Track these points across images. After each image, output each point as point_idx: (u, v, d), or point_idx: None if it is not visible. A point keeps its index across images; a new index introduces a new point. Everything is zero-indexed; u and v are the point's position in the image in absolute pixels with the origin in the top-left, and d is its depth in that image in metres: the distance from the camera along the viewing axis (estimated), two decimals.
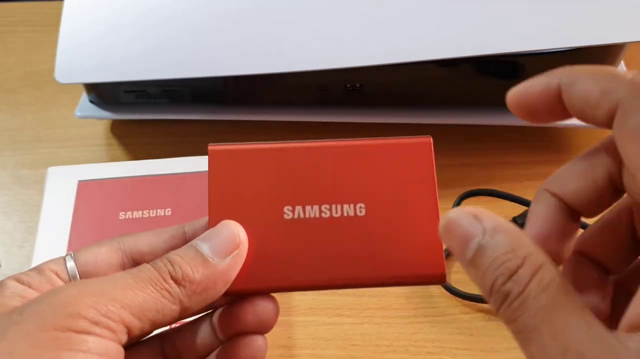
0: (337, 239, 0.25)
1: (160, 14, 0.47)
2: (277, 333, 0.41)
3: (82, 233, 0.39)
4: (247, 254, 0.24)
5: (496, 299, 0.18)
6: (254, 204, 0.25)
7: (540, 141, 0.52)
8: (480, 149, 0.52)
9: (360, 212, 0.25)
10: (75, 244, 0.39)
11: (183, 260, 0.23)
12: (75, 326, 0.20)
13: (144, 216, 0.41)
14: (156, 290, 0.22)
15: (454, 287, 0.42)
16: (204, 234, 0.24)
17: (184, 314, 0.23)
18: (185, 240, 0.26)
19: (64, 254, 0.25)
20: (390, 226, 0.25)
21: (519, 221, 0.47)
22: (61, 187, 0.42)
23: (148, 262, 0.24)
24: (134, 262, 0.25)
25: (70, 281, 0.24)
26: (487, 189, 0.47)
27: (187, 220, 0.40)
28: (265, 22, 0.45)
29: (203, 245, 0.23)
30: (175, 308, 0.22)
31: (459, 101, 0.50)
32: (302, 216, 0.25)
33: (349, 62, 0.43)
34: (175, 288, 0.22)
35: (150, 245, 0.25)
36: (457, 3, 0.45)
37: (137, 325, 0.21)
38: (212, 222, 0.25)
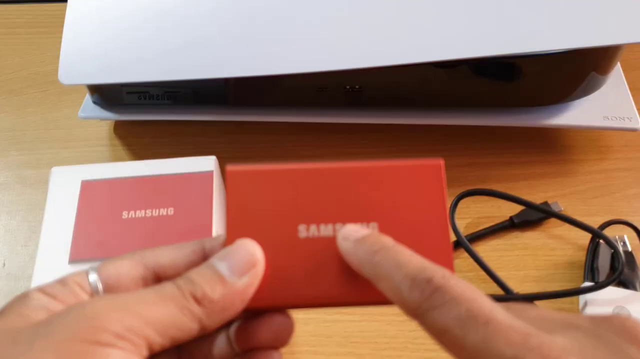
0: None
1: (163, 16, 0.47)
2: None
3: (85, 232, 0.40)
4: (265, 271, 0.25)
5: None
6: (269, 223, 0.26)
7: (538, 141, 0.53)
8: (478, 149, 0.52)
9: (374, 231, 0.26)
10: (79, 243, 0.39)
11: (203, 279, 0.23)
12: (101, 339, 0.20)
13: (147, 215, 0.41)
14: (178, 308, 0.22)
15: None
16: (221, 252, 0.25)
17: (202, 332, 0.23)
18: (204, 255, 0.26)
19: (87, 268, 0.25)
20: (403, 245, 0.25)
21: (516, 220, 0.47)
22: (65, 187, 0.43)
23: (170, 279, 0.24)
24: (156, 276, 0.26)
25: (94, 294, 0.24)
26: (485, 189, 0.47)
27: (189, 219, 0.41)
28: (266, 25, 0.46)
29: (221, 264, 0.24)
30: (194, 326, 0.23)
31: (458, 102, 0.50)
32: (316, 234, 0.25)
33: (348, 64, 0.44)
34: (195, 306, 0.23)
35: (171, 259, 0.26)
36: (455, 5, 0.45)
37: (158, 341, 0.22)
38: (229, 240, 0.25)
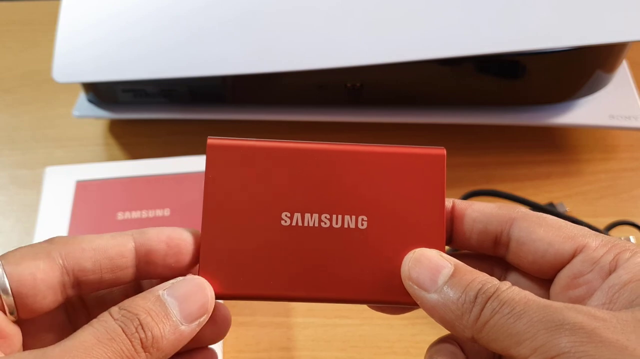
0: (334, 251, 0.24)
1: (159, 13, 0.46)
2: (277, 335, 0.41)
3: (80, 233, 0.39)
4: (240, 257, 0.24)
5: (482, 299, 0.21)
6: (250, 206, 0.24)
7: (540, 140, 0.52)
8: (480, 149, 0.52)
9: (362, 225, 0.24)
10: None
11: (154, 322, 0.21)
12: None
13: (142, 216, 0.40)
14: None
15: None
16: (172, 285, 0.23)
17: None
18: (133, 257, 0.24)
19: None
20: (391, 243, 0.24)
21: None
22: (59, 187, 0.42)
23: (91, 286, 0.23)
24: (75, 280, 0.23)
25: (4, 305, 0.22)
26: (487, 189, 0.46)
27: (185, 220, 0.40)
28: (264, 21, 0.45)
29: (172, 302, 0.22)
30: None
31: (459, 101, 0.49)
32: (300, 223, 0.24)
33: (349, 62, 0.43)
34: (142, 356, 0.21)
35: (94, 261, 0.23)
36: (458, 2, 0.44)
37: None
38: (205, 223, 0.24)
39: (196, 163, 0.43)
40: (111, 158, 0.52)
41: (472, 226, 0.25)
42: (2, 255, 0.22)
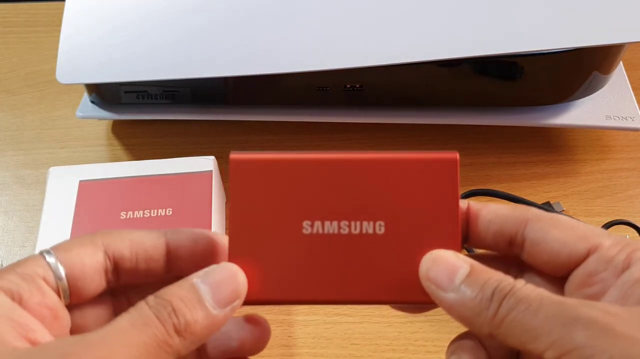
0: (354, 256, 0.25)
1: (162, 14, 0.47)
2: (278, 333, 0.41)
3: (83, 233, 0.39)
4: (265, 265, 0.25)
5: (499, 297, 0.22)
6: (273, 216, 0.25)
7: (540, 140, 0.53)
8: (479, 149, 0.52)
9: (380, 230, 0.25)
10: None
11: (187, 308, 0.22)
12: None
13: (145, 216, 0.41)
14: (159, 346, 0.21)
15: None
16: (206, 272, 0.24)
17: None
18: (165, 251, 0.25)
19: (44, 252, 0.24)
20: (408, 246, 0.25)
21: None
22: (62, 187, 0.42)
23: (127, 273, 0.24)
24: (115, 266, 0.25)
25: (59, 287, 0.23)
26: (486, 189, 0.47)
27: (187, 220, 0.40)
28: (266, 23, 0.45)
29: (205, 289, 0.23)
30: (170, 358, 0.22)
31: (458, 102, 0.50)
32: (320, 231, 0.25)
33: (349, 63, 0.43)
34: (176, 341, 0.22)
35: (131, 251, 0.25)
36: (456, 3, 0.45)
37: None
38: (232, 232, 0.25)
39: (199, 163, 0.43)
40: (114, 159, 0.52)
41: (487, 227, 0.26)
42: (54, 246, 0.24)
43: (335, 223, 0.25)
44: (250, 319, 0.26)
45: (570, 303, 0.21)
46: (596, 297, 0.23)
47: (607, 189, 0.49)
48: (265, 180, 0.25)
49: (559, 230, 0.24)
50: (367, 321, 0.41)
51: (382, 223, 0.25)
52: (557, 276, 0.25)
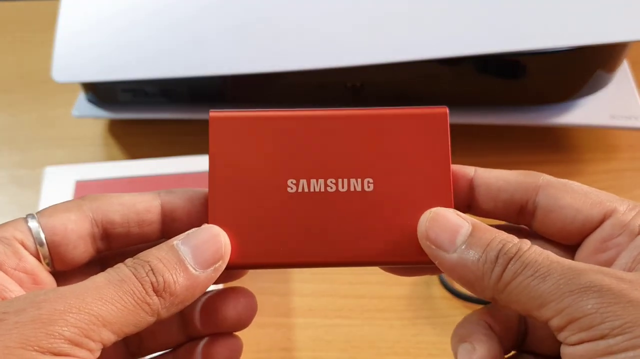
0: (343, 215, 0.24)
1: (158, 12, 0.47)
2: (277, 335, 0.40)
3: None
4: (249, 227, 0.24)
5: (504, 260, 0.21)
6: (256, 175, 0.24)
7: (544, 140, 0.52)
8: (482, 149, 0.51)
9: (368, 187, 0.24)
10: None
11: (165, 268, 0.22)
12: (56, 348, 0.19)
13: None
14: (137, 303, 0.21)
15: (455, 288, 0.41)
16: (187, 234, 0.23)
17: (156, 323, 0.22)
18: (160, 213, 0.24)
19: (27, 215, 0.23)
20: (398, 204, 0.24)
21: None
22: (58, 187, 0.42)
23: (118, 238, 0.24)
24: (104, 232, 0.24)
25: (38, 251, 0.23)
26: None
27: None
28: (264, 21, 0.45)
29: (185, 250, 0.22)
30: (151, 320, 0.21)
31: (460, 100, 0.49)
32: (306, 189, 0.24)
33: (349, 61, 0.43)
34: (155, 300, 0.21)
35: (122, 215, 0.24)
36: (458, 1, 0.44)
37: (112, 339, 0.21)
38: (212, 194, 0.24)
39: (196, 163, 0.43)
40: (111, 158, 0.52)
41: (497, 195, 0.25)
42: (39, 211, 0.24)
43: (321, 181, 0.24)
44: (236, 291, 0.26)
45: (580, 267, 0.20)
46: (610, 262, 0.23)
47: (613, 189, 0.48)
48: (246, 138, 0.24)
49: (572, 196, 0.24)
50: (368, 323, 0.41)
51: (371, 180, 0.24)
52: (569, 244, 0.24)
